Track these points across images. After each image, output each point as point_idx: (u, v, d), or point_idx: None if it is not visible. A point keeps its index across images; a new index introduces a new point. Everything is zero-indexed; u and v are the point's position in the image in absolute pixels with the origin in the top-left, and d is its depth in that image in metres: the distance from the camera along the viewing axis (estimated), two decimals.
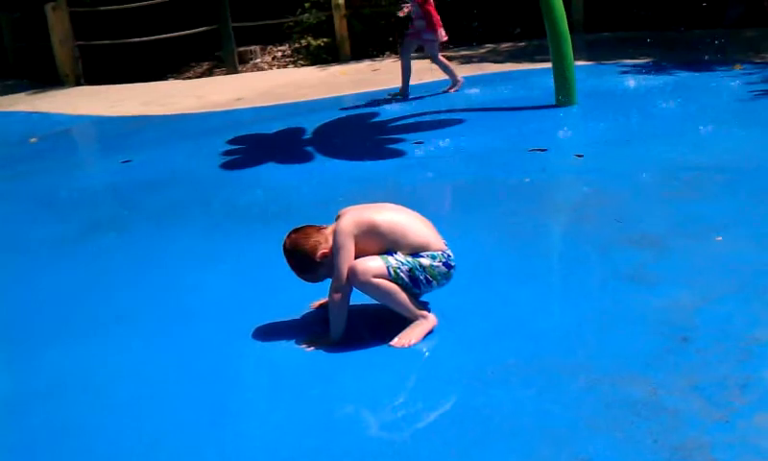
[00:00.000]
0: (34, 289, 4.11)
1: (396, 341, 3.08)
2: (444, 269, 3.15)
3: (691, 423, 2.41)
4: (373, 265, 3.05)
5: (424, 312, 3.16)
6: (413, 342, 3.07)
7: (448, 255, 3.17)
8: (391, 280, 3.06)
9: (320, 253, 3.12)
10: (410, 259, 3.10)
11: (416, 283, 3.12)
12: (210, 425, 2.67)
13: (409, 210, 3.27)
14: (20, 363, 3.30)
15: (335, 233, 3.11)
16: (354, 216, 3.14)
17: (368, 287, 3.06)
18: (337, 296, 3.08)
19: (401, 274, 3.07)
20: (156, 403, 2.85)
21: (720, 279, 3.36)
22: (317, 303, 3.45)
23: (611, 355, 2.84)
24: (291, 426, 2.62)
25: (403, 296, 3.09)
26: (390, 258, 3.08)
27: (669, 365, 2.74)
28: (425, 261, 3.11)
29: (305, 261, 3.15)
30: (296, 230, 3.22)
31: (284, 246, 3.20)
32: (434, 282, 3.15)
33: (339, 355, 3.05)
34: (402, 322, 3.11)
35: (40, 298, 3.96)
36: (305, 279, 3.26)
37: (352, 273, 3.04)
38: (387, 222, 3.13)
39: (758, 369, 2.66)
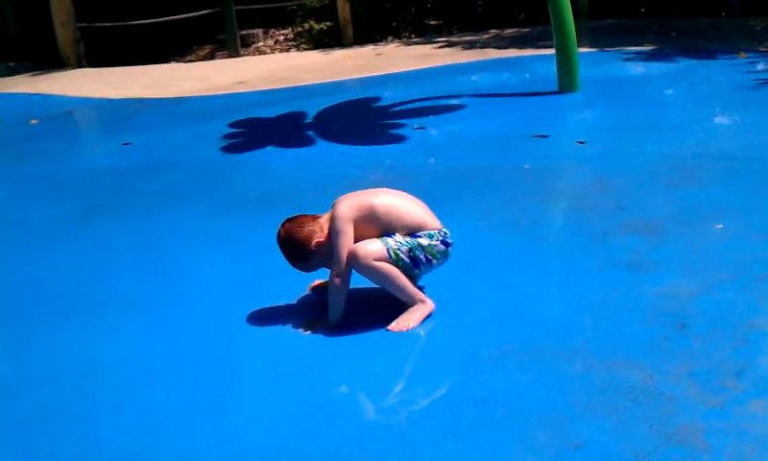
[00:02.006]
0: (32, 272, 4.11)
1: (393, 325, 3.08)
2: (442, 247, 3.17)
3: (686, 409, 2.41)
4: (374, 248, 3.06)
5: (423, 296, 3.17)
6: (411, 326, 3.08)
7: (445, 233, 3.19)
8: (391, 263, 3.07)
9: (314, 241, 3.12)
10: (409, 240, 3.11)
11: (416, 263, 3.13)
12: (209, 409, 2.67)
13: (404, 193, 3.27)
14: (19, 346, 3.30)
15: (333, 219, 3.11)
16: (351, 202, 3.14)
17: (368, 271, 3.07)
18: (337, 280, 3.09)
19: (401, 255, 3.08)
20: (155, 387, 2.85)
21: (719, 267, 3.36)
22: (314, 284, 3.46)
23: (607, 341, 2.85)
24: (289, 410, 2.63)
25: (403, 280, 3.11)
26: (389, 240, 3.09)
27: (666, 351, 2.74)
28: (423, 241, 3.13)
29: (300, 250, 3.15)
30: (289, 220, 3.22)
31: (278, 235, 3.20)
32: (433, 261, 3.17)
33: (337, 339, 3.06)
34: (399, 306, 3.11)
35: (39, 281, 3.97)
36: (299, 269, 3.27)
37: (353, 256, 3.05)
38: (384, 205, 3.14)
39: (754, 356, 2.67)
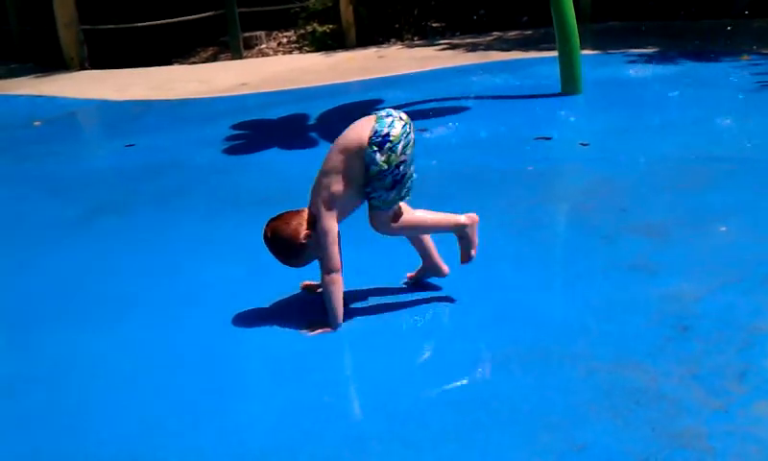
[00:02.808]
0: (36, 272, 4.11)
1: (463, 259, 3.24)
2: (387, 144, 2.98)
3: (690, 411, 2.41)
4: (384, 217, 3.09)
5: (458, 217, 3.21)
6: (474, 251, 3.23)
7: (376, 133, 2.98)
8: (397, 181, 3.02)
9: (303, 233, 3.08)
10: (379, 177, 3.00)
11: (398, 181, 3.03)
12: (211, 409, 2.68)
13: (334, 143, 3.13)
14: (22, 345, 3.31)
15: (316, 219, 3.06)
16: (322, 195, 3.05)
17: (399, 231, 3.16)
18: (330, 282, 3.06)
19: (390, 184, 3.02)
20: (158, 387, 2.86)
21: (723, 269, 3.35)
22: (306, 284, 3.46)
23: (611, 343, 2.84)
24: (291, 410, 2.63)
25: (433, 219, 3.19)
26: (378, 195, 3.04)
27: (669, 354, 2.74)
28: (381, 157, 2.97)
29: (289, 246, 3.11)
30: (274, 219, 3.18)
31: (265, 235, 3.16)
32: (404, 159, 3.03)
33: (338, 340, 3.05)
34: (399, 305, 3.11)
35: (43, 281, 3.97)
36: (292, 265, 3.22)
37: (384, 230, 3.13)
38: (338, 174, 3.03)
39: (758, 358, 2.66)
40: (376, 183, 3.03)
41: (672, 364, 2.67)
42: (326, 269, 3.07)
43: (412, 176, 3.11)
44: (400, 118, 3.06)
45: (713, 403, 2.44)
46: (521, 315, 3.14)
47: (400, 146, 3.01)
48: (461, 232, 3.22)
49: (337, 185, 3.04)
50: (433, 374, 2.79)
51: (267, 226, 3.17)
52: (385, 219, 3.11)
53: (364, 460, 2.33)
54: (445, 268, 3.35)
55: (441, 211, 3.24)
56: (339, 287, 3.08)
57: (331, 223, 3.05)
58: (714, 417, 2.37)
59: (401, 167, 3.03)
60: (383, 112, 3.08)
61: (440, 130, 6.37)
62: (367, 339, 3.05)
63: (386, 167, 2.99)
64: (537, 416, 2.46)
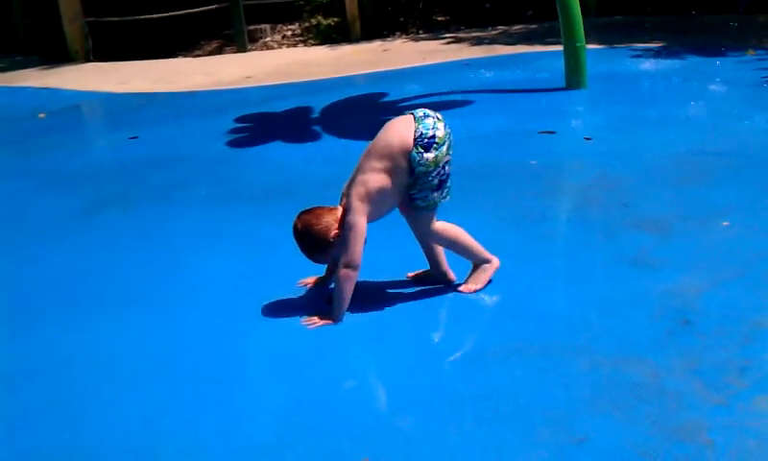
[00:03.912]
0: (39, 265, 4.13)
1: (463, 287, 3.28)
2: (433, 145, 3.05)
3: (691, 405, 2.41)
4: (427, 218, 3.16)
5: (488, 255, 3.28)
6: (479, 287, 3.27)
7: (421, 135, 3.05)
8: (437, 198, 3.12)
9: (333, 233, 3.11)
10: (426, 178, 3.07)
11: (443, 181, 3.12)
12: (213, 402, 2.68)
13: (372, 143, 3.17)
14: (24, 339, 3.32)
15: (346, 212, 3.08)
16: (358, 193, 3.08)
17: (437, 236, 3.22)
18: (347, 277, 3.08)
19: (436, 184, 3.10)
20: (160, 380, 2.86)
21: (725, 264, 3.35)
22: (304, 281, 3.47)
23: (613, 338, 2.85)
24: (292, 404, 2.63)
25: (466, 241, 3.24)
26: (424, 195, 3.11)
27: (671, 348, 2.74)
28: (429, 156, 3.05)
29: (318, 242, 3.14)
30: (306, 212, 3.19)
31: (295, 227, 3.18)
32: (448, 158, 3.13)
33: (340, 334, 3.06)
34: (398, 301, 3.11)
35: (45, 274, 3.98)
36: (315, 261, 3.26)
37: (427, 232, 3.21)
38: (379, 174, 3.07)
39: (759, 353, 2.66)
40: (423, 185, 3.09)
41: (673, 359, 2.67)
42: (346, 263, 3.07)
43: (450, 176, 3.18)
44: (438, 118, 3.13)
45: (714, 398, 2.44)
46: (523, 309, 3.14)
47: (445, 147, 3.09)
48: (480, 265, 3.31)
49: (377, 184, 3.07)
50: (434, 368, 2.79)
51: (298, 218, 3.18)
52: (429, 220, 3.17)
53: (365, 453, 2.33)
54: (452, 275, 3.36)
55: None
56: (353, 285, 3.10)
57: (361, 219, 3.07)
58: (715, 411, 2.37)
59: (446, 167, 3.11)
60: (420, 113, 3.13)
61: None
62: (367, 333, 3.06)
63: (432, 167, 3.06)
64: (538, 410, 2.46)
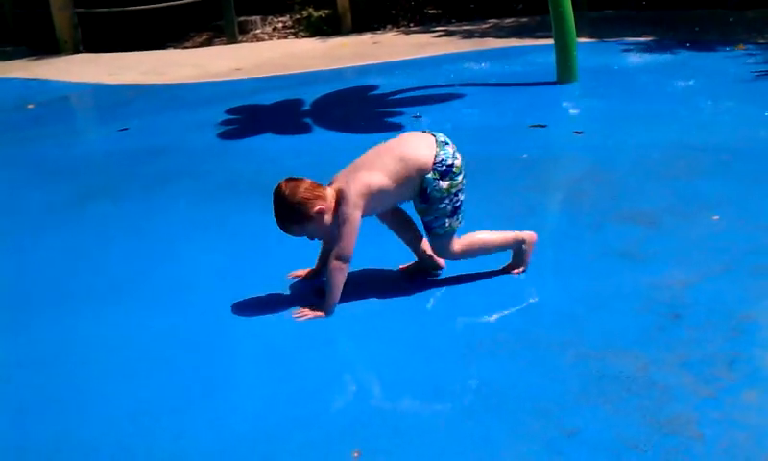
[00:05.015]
0: (28, 256, 4.10)
1: (515, 271, 3.32)
2: (450, 174, 3.12)
3: (680, 398, 2.42)
4: (447, 243, 3.18)
5: (519, 234, 3.29)
6: (523, 269, 3.32)
7: (441, 161, 3.11)
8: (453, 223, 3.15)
9: (317, 208, 3.03)
10: (439, 204, 3.12)
11: (457, 208, 3.17)
12: (202, 394, 2.68)
13: (389, 145, 3.21)
14: (13, 330, 3.30)
15: (343, 202, 3.04)
16: (359, 188, 3.05)
17: (464, 256, 3.23)
18: (339, 269, 3.06)
19: (450, 211, 3.14)
20: (148, 372, 2.85)
21: (713, 258, 3.36)
22: (294, 273, 3.45)
23: (601, 331, 2.85)
24: (282, 396, 2.63)
25: (495, 239, 3.26)
26: (441, 223, 3.14)
27: (660, 341, 2.75)
28: (443, 184, 3.10)
29: (299, 212, 3.04)
30: (295, 179, 3.11)
31: (279, 190, 3.07)
32: (461, 188, 3.18)
33: (330, 327, 3.05)
34: (394, 295, 3.10)
35: (34, 265, 3.96)
36: (289, 232, 3.13)
37: (449, 256, 3.24)
38: (389, 179, 3.09)
39: (747, 346, 2.68)
40: (437, 211, 3.12)
41: (662, 351, 2.68)
42: (338, 255, 3.06)
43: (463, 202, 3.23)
44: (455, 147, 3.18)
45: (703, 391, 2.45)
46: (511, 302, 3.15)
47: (460, 177, 3.15)
48: (518, 248, 3.32)
49: (382, 185, 3.08)
50: (423, 361, 2.79)
51: (285, 182, 3.09)
52: (448, 245, 3.20)
53: (353, 447, 2.33)
54: (442, 262, 3.36)
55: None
56: (344, 277, 3.08)
57: (357, 213, 3.05)
58: (704, 404, 2.38)
59: (459, 194, 3.15)
60: (442, 138, 3.18)
61: (434, 116, 6.35)
62: (357, 326, 3.05)
63: (446, 194, 3.10)
64: (527, 402, 2.46)
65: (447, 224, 3.15)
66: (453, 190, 3.12)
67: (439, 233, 3.17)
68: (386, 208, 3.23)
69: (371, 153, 3.20)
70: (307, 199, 3.03)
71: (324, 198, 3.06)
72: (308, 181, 3.11)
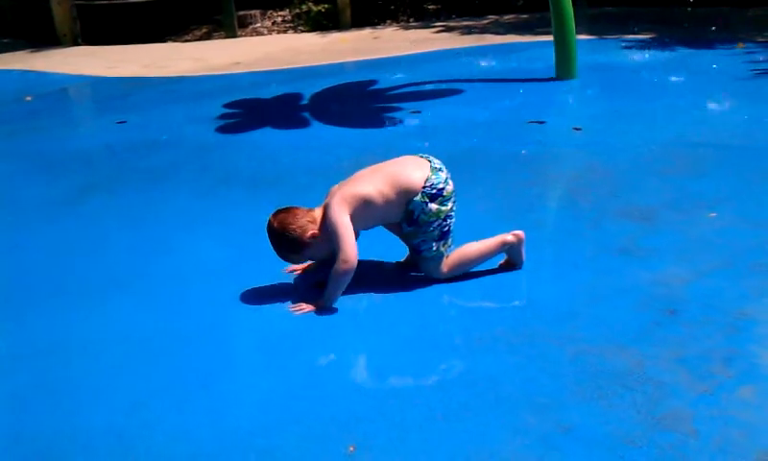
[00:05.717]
0: (25, 250, 4.09)
1: (510, 268, 3.35)
2: (439, 198, 3.15)
3: (675, 394, 2.42)
4: (436, 266, 3.21)
5: (505, 237, 3.29)
6: (519, 265, 3.34)
7: (431, 185, 3.15)
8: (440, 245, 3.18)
9: (309, 233, 3.13)
10: (427, 227, 3.15)
11: (445, 233, 3.19)
12: (200, 388, 2.68)
13: (383, 166, 3.27)
14: (10, 324, 3.28)
15: (329, 213, 3.09)
16: (343, 194, 3.12)
17: (453, 273, 3.24)
18: (343, 270, 3.05)
19: (438, 235, 3.16)
20: (146, 365, 2.85)
21: (711, 255, 3.36)
22: (290, 269, 3.46)
23: (598, 327, 2.85)
24: (279, 390, 2.63)
25: (481, 249, 3.26)
26: (428, 246, 3.17)
27: (656, 337, 2.75)
28: (432, 207, 3.13)
29: (294, 242, 3.15)
30: (283, 211, 3.21)
31: (270, 226, 3.18)
32: (451, 214, 3.20)
33: (328, 321, 3.05)
34: (391, 291, 3.10)
35: (32, 258, 3.95)
36: (289, 260, 3.30)
37: (441, 276, 3.23)
38: (376, 193, 3.14)
39: (744, 343, 2.68)
40: (425, 235, 3.16)
41: (659, 348, 2.68)
42: (343, 258, 3.05)
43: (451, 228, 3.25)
44: (448, 174, 3.22)
45: (699, 387, 2.45)
46: (509, 297, 3.15)
47: (450, 203, 3.18)
48: (509, 250, 3.33)
49: (368, 197, 3.12)
50: (420, 355, 2.79)
51: (274, 216, 3.19)
52: (436, 267, 3.23)
53: (351, 440, 2.33)
54: None
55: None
56: (349, 278, 3.09)
57: (343, 216, 3.08)
58: (700, 400, 2.38)
59: (448, 220, 3.18)
60: (437, 164, 3.22)
61: (433, 112, 6.35)
62: (354, 320, 3.05)
63: (433, 218, 3.12)
64: (523, 397, 2.47)
65: (435, 248, 3.19)
66: (442, 215, 3.15)
67: (426, 257, 3.22)
68: (373, 224, 3.25)
69: (366, 169, 3.27)
70: (298, 227, 3.13)
71: (314, 221, 3.14)
72: (295, 209, 3.20)
